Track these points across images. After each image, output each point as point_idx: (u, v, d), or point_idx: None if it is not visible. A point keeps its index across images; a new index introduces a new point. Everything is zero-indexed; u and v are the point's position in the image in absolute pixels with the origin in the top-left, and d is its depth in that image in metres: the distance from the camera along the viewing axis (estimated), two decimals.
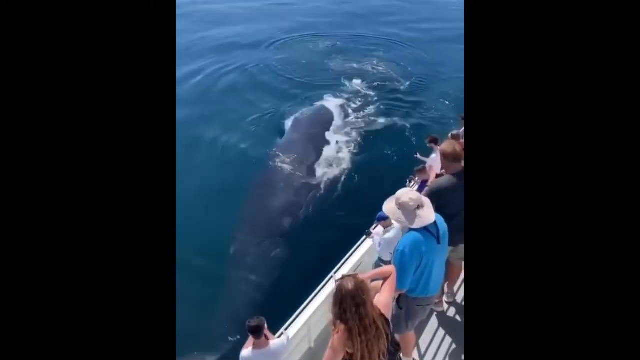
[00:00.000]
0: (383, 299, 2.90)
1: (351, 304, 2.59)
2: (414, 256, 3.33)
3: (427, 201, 3.49)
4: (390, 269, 3.15)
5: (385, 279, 3.08)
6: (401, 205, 3.43)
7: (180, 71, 14.33)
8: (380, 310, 2.75)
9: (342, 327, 2.62)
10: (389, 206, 3.57)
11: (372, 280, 3.15)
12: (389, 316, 2.84)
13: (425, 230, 3.39)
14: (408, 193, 3.48)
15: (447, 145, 4.33)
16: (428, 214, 3.41)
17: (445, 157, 4.29)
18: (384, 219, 5.01)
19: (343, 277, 2.74)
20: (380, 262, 5.24)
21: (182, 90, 13.25)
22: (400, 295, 3.57)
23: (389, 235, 5.03)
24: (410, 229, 3.43)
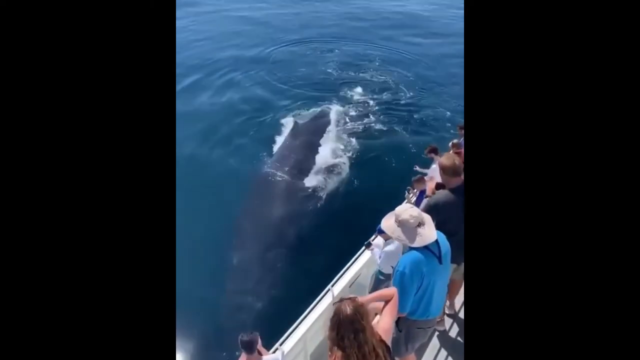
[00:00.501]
0: (383, 324, 2.80)
1: (349, 330, 2.49)
2: (415, 277, 3.22)
3: (428, 218, 3.39)
4: (392, 291, 3.05)
5: (386, 301, 2.97)
6: (401, 223, 3.33)
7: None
8: (380, 337, 2.64)
9: (339, 353, 2.52)
10: (388, 223, 3.46)
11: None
12: (389, 342, 2.73)
13: (426, 249, 3.27)
14: (408, 210, 3.36)
15: (446, 159, 4.25)
16: (429, 232, 3.30)
17: (445, 171, 4.21)
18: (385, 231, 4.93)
19: (341, 300, 2.63)
20: (380, 274, 5.16)
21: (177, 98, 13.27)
22: (399, 317, 3.43)
23: (389, 247, 4.94)
24: (411, 248, 3.32)
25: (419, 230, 3.28)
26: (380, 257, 5.08)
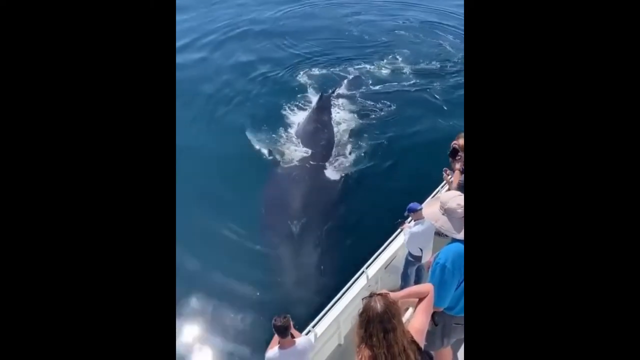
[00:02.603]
0: (417, 324, 2.67)
1: (379, 329, 2.39)
2: (457, 272, 3.06)
3: None
4: (427, 287, 2.88)
5: (420, 298, 2.82)
6: (447, 211, 3.14)
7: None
8: (412, 337, 2.52)
9: (366, 352, 2.43)
10: (431, 210, 3.31)
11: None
12: (422, 343, 2.61)
13: None
14: (456, 197, 3.16)
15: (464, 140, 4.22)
16: None
17: None
18: (415, 211, 4.92)
19: (371, 295, 2.53)
20: (409, 256, 5.18)
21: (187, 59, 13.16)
22: (436, 311, 3.28)
23: (415, 228, 4.93)
24: (454, 240, 3.16)
25: None
26: (406, 238, 5.07)
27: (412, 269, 5.26)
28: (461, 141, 4.33)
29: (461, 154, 4.57)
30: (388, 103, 11.11)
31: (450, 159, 4.94)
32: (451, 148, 4.74)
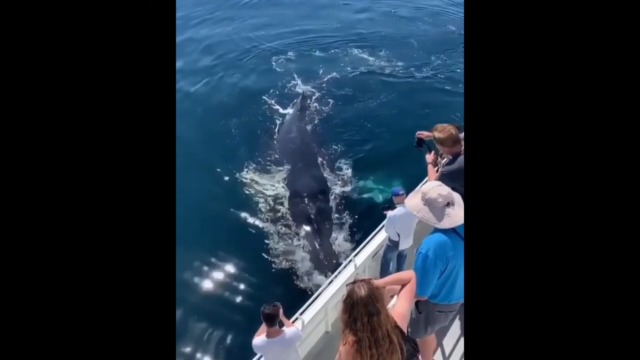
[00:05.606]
0: (400, 309, 2.75)
1: (363, 313, 2.44)
2: (439, 261, 3.12)
3: (458, 198, 3.21)
4: (409, 274, 2.96)
5: (403, 285, 2.91)
6: (428, 202, 3.17)
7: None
8: (395, 322, 2.59)
9: (350, 338, 2.49)
10: (413, 202, 3.31)
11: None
12: (405, 328, 2.69)
13: (452, 231, 3.14)
14: (437, 188, 3.21)
15: (439, 132, 4.21)
16: (458, 214, 3.12)
17: (443, 144, 4.19)
18: (398, 195, 4.95)
19: (355, 282, 2.58)
20: (388, 241, 5.21)
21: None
22: (419, 300, 3.38)
23: (393, 212, 4.96)
24: (436, 229, 3.21)
25: (448, 210, 3.14)
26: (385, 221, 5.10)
27: (391, 255, 5.27)
28: (436, 133, 4.28)
29: (425, 146, 4.58)
30: (383, 93, 10.99)
31: (419, 149, 4.85)
32: (416, 139, 4.70)
